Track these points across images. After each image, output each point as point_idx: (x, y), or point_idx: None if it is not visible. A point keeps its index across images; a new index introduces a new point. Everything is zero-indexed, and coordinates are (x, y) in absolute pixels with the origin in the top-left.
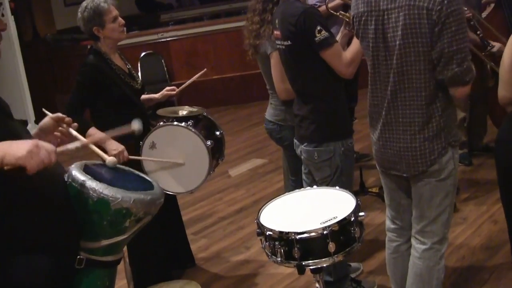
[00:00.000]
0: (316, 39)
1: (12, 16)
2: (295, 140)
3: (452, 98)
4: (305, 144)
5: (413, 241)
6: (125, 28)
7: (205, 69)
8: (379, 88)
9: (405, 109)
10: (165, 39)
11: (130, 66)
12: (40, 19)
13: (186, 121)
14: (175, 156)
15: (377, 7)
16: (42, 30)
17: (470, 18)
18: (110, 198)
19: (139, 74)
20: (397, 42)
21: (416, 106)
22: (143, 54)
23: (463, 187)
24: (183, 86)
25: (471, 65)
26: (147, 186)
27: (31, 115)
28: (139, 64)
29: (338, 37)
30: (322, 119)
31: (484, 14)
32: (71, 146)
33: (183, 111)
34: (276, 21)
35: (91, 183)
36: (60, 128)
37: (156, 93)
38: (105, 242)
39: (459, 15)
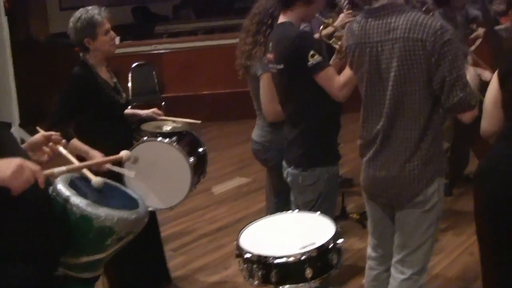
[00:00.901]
0: (309, 63)
1: (6, 17)
2: (283, 163)
3: (439, 127)
4: (291, 167)
5: (392, 270)
6: (115, 42)
7: (200, 121)
8: (371, 117)
9: (401, 135)
10: (158, 51)
11: (116, 80)
12: (35, 21)
13: (170, 137)
14: (156, 171)
15: (370, 39)
16: (36, 33)
17: None
18: (93, 216)
19: (129, 84)
20: (392, 74)
21: (411, 134)
22: (134, 64)
23: (442, 217)
24: (171, 118)
25: (473, 90)
26: (133, 203)
27: (15, 118)
28: (130, 74)
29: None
30: (310, 144)
31: (472, 48)
32: (57, 170)
33: (167, 127)
34: (270, 44)
35: (75, 199)
36: (50, 144)
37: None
38: (84, 259)
39: (453, 44)
